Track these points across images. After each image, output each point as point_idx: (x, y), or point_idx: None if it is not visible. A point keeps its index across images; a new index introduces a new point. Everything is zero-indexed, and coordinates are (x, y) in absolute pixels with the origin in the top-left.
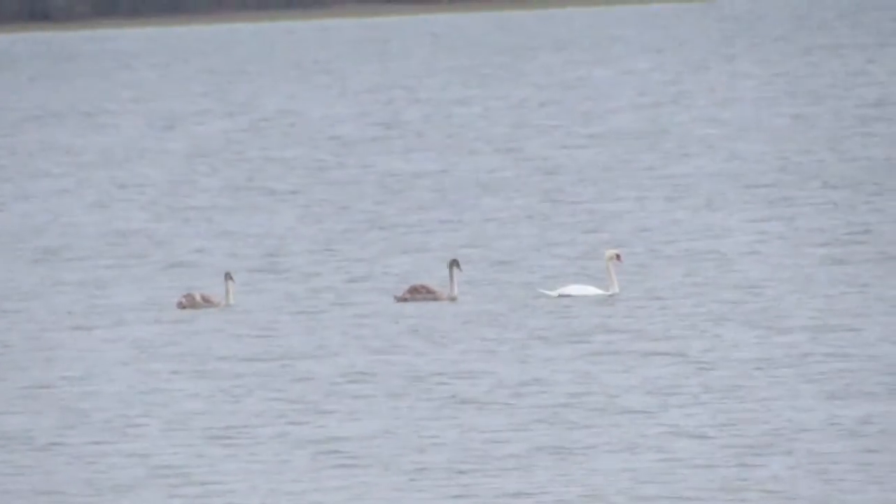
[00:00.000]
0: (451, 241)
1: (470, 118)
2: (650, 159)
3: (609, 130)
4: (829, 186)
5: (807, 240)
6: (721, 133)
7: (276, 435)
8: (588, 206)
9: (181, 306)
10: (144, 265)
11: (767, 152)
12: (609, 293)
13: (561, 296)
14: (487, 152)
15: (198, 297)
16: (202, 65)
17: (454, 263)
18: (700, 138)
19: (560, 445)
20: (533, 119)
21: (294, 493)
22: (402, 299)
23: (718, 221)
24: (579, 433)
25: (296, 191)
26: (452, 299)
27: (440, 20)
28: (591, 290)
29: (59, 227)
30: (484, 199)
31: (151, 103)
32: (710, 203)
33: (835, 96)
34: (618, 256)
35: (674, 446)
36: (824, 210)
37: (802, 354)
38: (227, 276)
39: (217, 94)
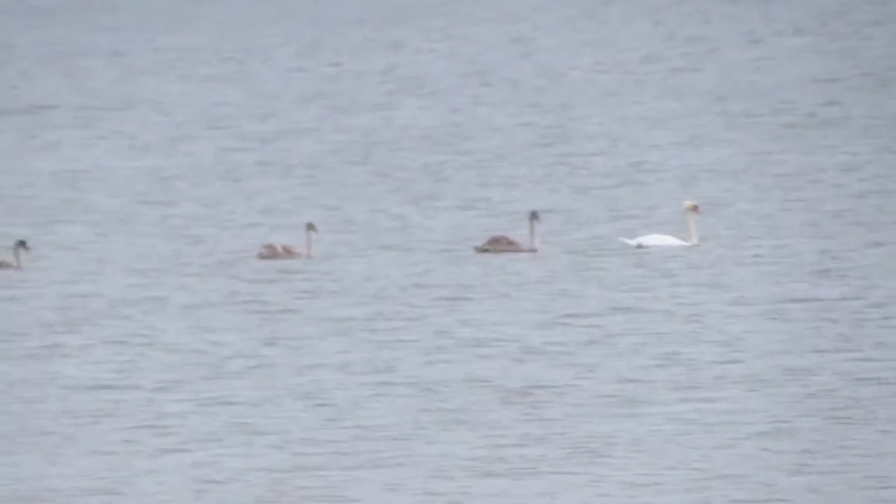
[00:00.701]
0: (511, 194)
1: (497, 67)
2: (682, 107)
3: (637, 78)
4: (857, 137)
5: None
6: (755, 80)
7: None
8: (631, 156)
9: (262, 257)
10: (208, 219)
11: (800, 100)
12: (688, 244)
13: (640, 246)
14: (519, 103)
15: (279, 248)
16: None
17: (534, 216)
18: (735, 84)
19: (622, 397)
20: (557, 67)
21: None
22: (483, 249)
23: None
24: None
25: (341, 146)
26: (533, 251)
27: None
28: (670, 241)
29: (100, 174)
30: (524, 151)
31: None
32: (749, 148)
33: (868, 49)
34: (696, 207)
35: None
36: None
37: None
38: (309, 227)
39: (243, 48)
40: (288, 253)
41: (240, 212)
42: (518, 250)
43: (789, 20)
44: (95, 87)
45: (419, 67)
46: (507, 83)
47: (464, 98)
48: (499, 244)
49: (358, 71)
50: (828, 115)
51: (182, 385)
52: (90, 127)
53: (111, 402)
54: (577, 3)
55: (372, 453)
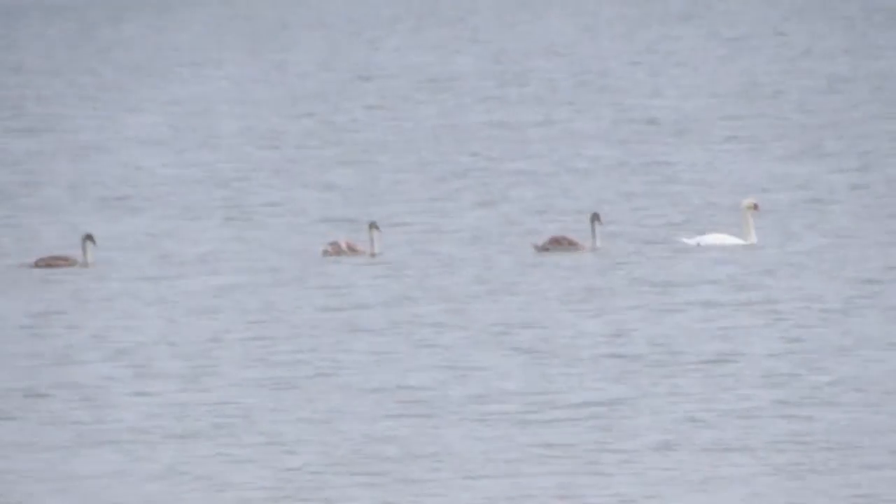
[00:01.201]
0: (560, 193)
1: (532, 67)
2: (718, 108)
3: (672, 77)
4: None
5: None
6: (789, 81)
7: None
8: (676, 156)
9: (326, 254)
10: (268, 216)
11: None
12: (747, 243)
13: (700, 245)
14: (581, 102)
15: (343, 246)
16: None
17: (595, 217)
18: (769, 85)
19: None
20: (616, 69)
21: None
22: (543, 249)
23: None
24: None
25: (385, 141)
26: (594, 251)
27: None
28: (729, 240)
29: (145, 173)
30: (583, 149)
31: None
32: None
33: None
34: (755, 206)
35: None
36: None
37: None
38: (373, 226)
39: (274, 48)
40: (352, 251)
41: (289, 209)
42: (579, 251)
43: (823, 22)
44: (136, 84)
45: (454, 66)
46: (544, 83)
47: (499, 97)
48: (559, 244)
49: (391, 70)
50: (860, 114)
51: (211, 381)
52: (132, 122)
53: (138, 400)
54: (615, 4)
55: (390, 455)
